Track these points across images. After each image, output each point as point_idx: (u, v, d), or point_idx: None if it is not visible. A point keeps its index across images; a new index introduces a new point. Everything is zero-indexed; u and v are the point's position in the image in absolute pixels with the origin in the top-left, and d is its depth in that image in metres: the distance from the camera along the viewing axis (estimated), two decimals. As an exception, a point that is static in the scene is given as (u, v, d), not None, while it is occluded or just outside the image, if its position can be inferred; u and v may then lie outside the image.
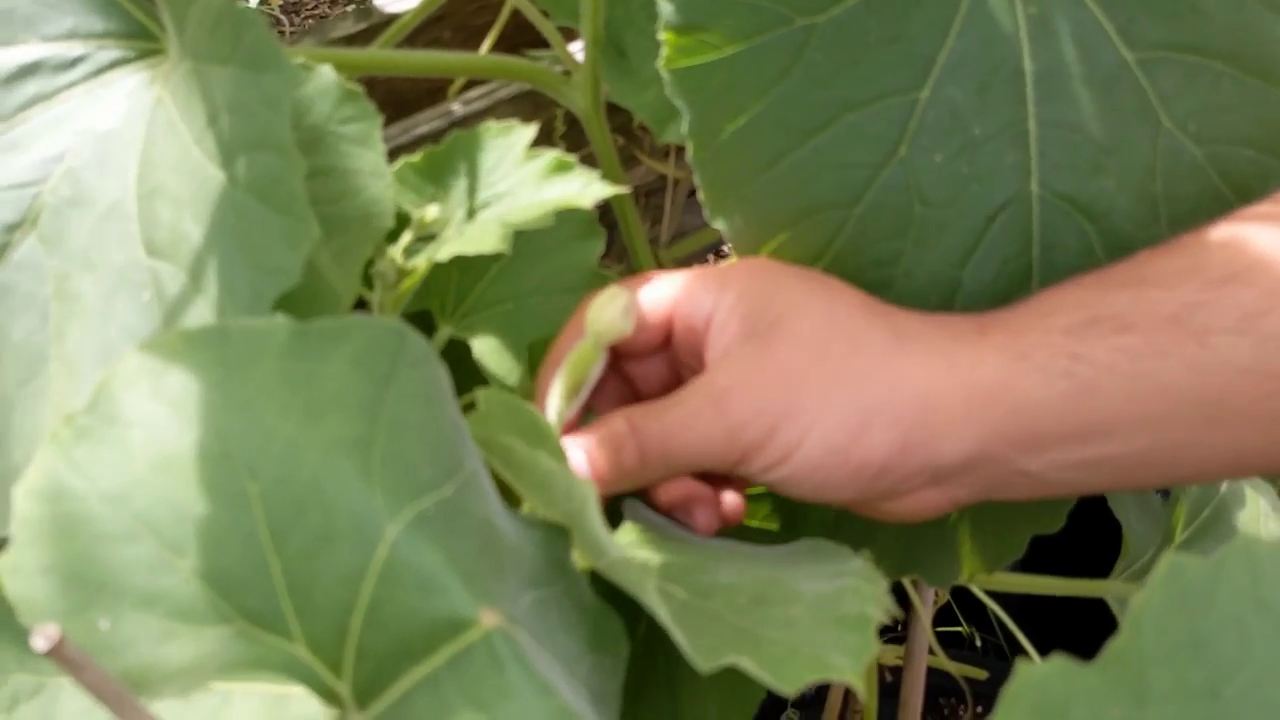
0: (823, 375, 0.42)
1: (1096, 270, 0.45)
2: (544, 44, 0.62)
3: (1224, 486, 0.59)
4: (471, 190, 0.51)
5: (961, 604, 1.23)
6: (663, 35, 0.45)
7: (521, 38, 0.68)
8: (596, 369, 0.45)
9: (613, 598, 0.37)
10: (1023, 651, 0.96)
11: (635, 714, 0.45)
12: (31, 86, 0.46)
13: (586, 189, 0.50)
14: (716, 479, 0.47)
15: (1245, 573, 0.30)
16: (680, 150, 0.79)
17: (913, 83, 0.46)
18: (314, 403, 0.31)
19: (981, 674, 0.99)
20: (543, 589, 0.34)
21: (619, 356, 0.48)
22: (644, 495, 0.47)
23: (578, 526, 0.34)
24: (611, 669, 0.37)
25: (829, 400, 0.42)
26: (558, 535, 0.36)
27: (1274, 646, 0.26)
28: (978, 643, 1.37)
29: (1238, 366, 0.39)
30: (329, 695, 0.31)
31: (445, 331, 0.56)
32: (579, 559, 0.37)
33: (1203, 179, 0.47)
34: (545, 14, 0.64)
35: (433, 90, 0.72)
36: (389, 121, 0.66)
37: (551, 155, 0.51)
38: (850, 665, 0.32)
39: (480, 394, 0.37)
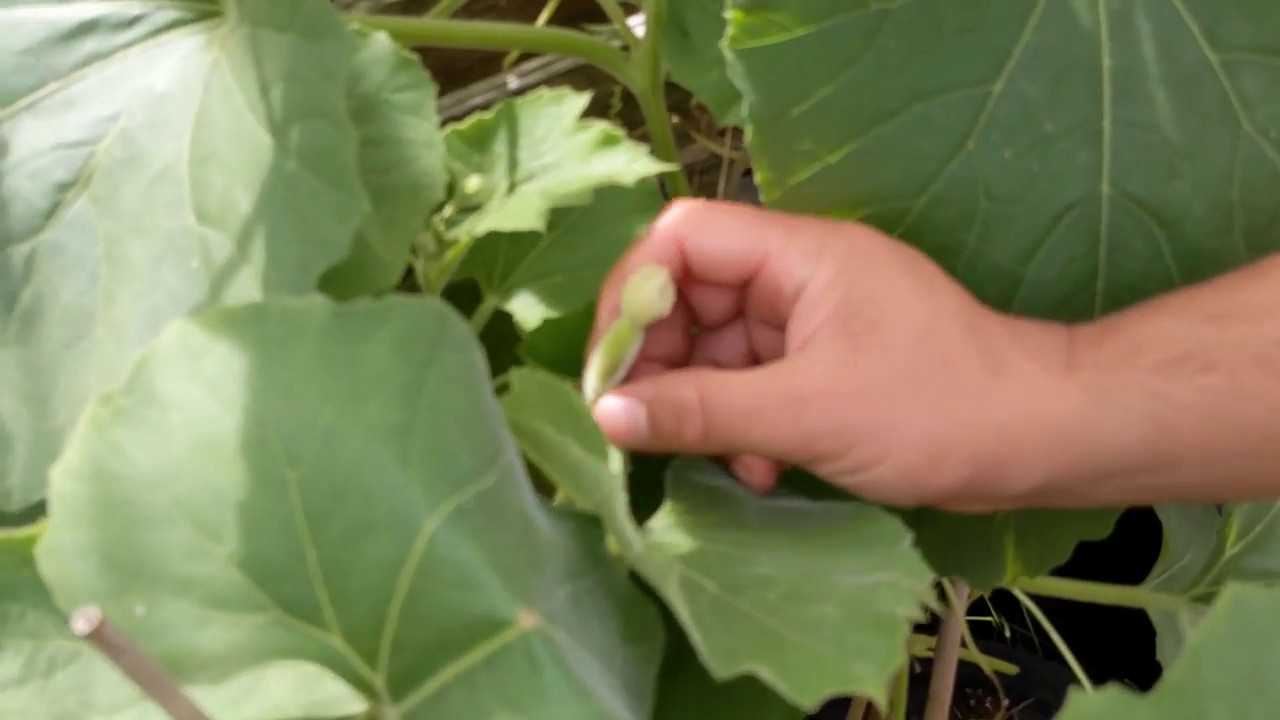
0: (910, 399, 0.41)
1: (1181, 293, 0.44)
2: (603, 18, 0.61)
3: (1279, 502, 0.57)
4: (517, 161, 0.50)
5: (993, 594, 1.22)
6: (729, 14, 0.44)
7: (580, 8, 0.67)
8: (634, 348, 0.44)
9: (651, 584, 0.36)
10: (1052, 645, 0.94)
11: (669, 701, 0.44)
12: (90, 44, 0.45)
13: (632, 165, 0.49)
14: None
15: (1312, 611, 0.29)
16: (736, 131, 0.77)
17: (986, 75, 0.45)
18: (354, 387, 0.30)
19: (1013, 669, 0.98)
20: (579, 581, 0.33)
21: (687, 280, 0.46)
22: None
23: (606, 516, 0.34)
24: (646, 658, 0.36)
25: (911, 426, 0.41)
26: (591, 524, 0.35)
27: (1341, 690, 0.25)
28: (1007, 633, 1.35)
29: None
30: (364, 686, 0.30)
31: (491, 303, 0.55)
32: (614, 545, 0.36)
33: (1283, 188, 0.46)
34: (606, -12, 0.62)
35: (485, 60, 0.70)
36: (440, 91, 0.65)
37: (599, 128, 0.50)
38: (873, 675, 0.32)
39: (515, 374, 0.36)
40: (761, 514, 0.45)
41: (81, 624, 0.24)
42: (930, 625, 1.09)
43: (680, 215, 0.45)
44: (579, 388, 0.45)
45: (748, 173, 0.63)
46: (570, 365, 0.47)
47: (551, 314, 0.53)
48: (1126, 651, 1.00)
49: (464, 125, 0.51)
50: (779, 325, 0.45)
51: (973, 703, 1.19)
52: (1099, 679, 1.21)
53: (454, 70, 0.74)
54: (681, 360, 0.49)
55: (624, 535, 0.32)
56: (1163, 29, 0.45)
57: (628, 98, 0.67)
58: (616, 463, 0.44)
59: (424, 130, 0.45)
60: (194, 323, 0.32)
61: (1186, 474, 0.41)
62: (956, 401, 0.41)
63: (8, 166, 0.43)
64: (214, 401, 0.31)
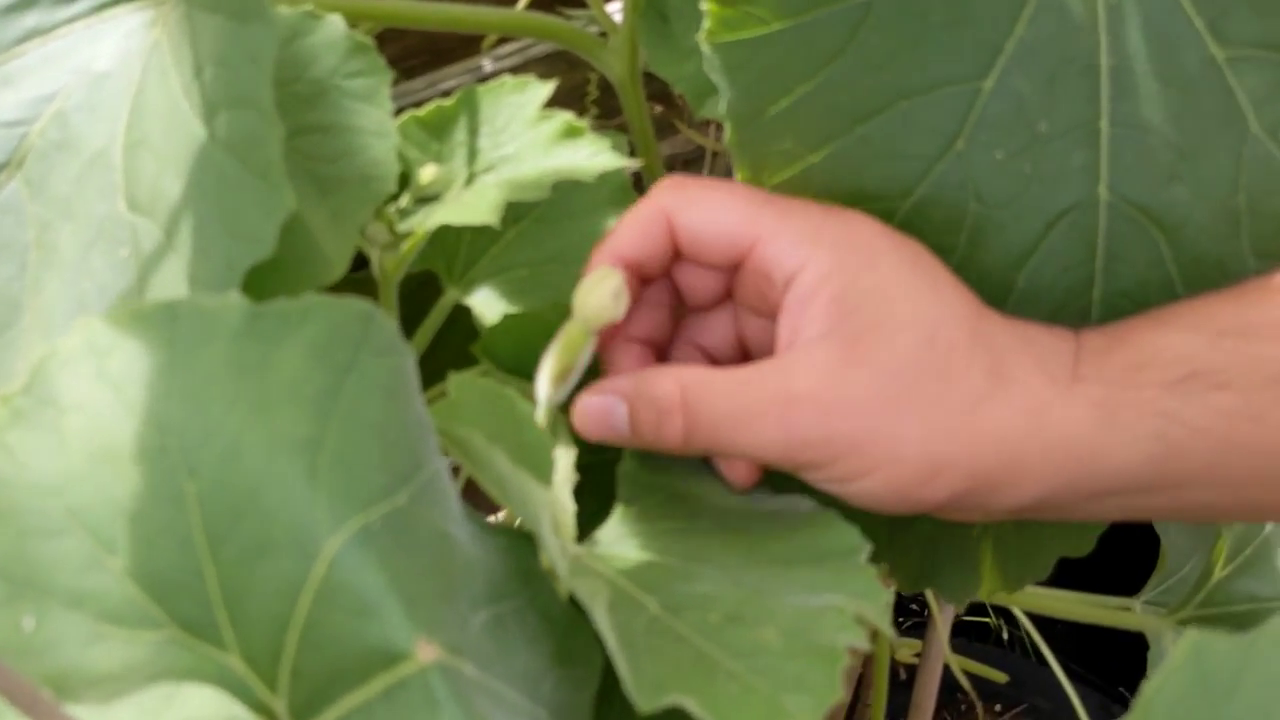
0: (907, 410, 0.38)
1: (1191, 305, 0.42)
2: (581, 2, 0.59)
3: (1269, 524, 0.55)
4: (477, 151, 0.48)
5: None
6: (705, 5, 0.42)
7: (562, -10, 0.65)
8: (586, 352, 0.42)
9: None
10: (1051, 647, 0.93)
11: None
12: (31, 19, 0.44)
13: (594, 159, 0.47)
14: None
15: (1278, 659, 0.27)
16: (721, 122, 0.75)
17: (976, 72, 0.43)
18: (263, 395, 0.28)
19: (1002, 677, 0.96)
20: (504, 602, 0.31)
21: (675, 259, 0.44)
22: None
23: (537, 534, 0.32)
24: (581, 680, 0.34)
25: (907, 439, 0.38)
26: (525, 541, 0.33)
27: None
28: (1005, 635, 1.33)
29: None
30: (264, 711, 0.29)
31: (452, 295, 0.53)
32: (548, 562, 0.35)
33: (1294, 193, 0.43)
34: (584, -30, 0.60)
35: (469, 40, 0.68)
36: (422, 70, 0.63)
37: (562, 119, 0.48)
38: (807, 710, 0.30)
39: (453, 380, 0.34)
40: (716, 516, 0.43)
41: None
42: (921, 623, 1.08)
43: (669, 189, 0.43)
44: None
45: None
46: (529, 366, 0.45)
47: (513, 309, 0.51)
48: (1126, 655, 0.98)
49: (423, 112, 0.49)
50: (769, 314, 0.43)
51: (964, 708, 1.18)
52: (1096, 685, 1.19)
53: (436, 49, 0.72)
54: (664, 342, 0.46)
55: (552, 555, 0.30)
56: (1166, 24, 0.42)
57: (606, 85, 0.65)
58: (566, 468, 0.43)
59: (376, 118, 0.43)
60: (102, 320, 0.30)
61: (1190, 495, 0.39)
62: (956, 414, 0.39)
63: (-59, 146, 0.42)
64: (117, 405, 0.29)
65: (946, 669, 0.89)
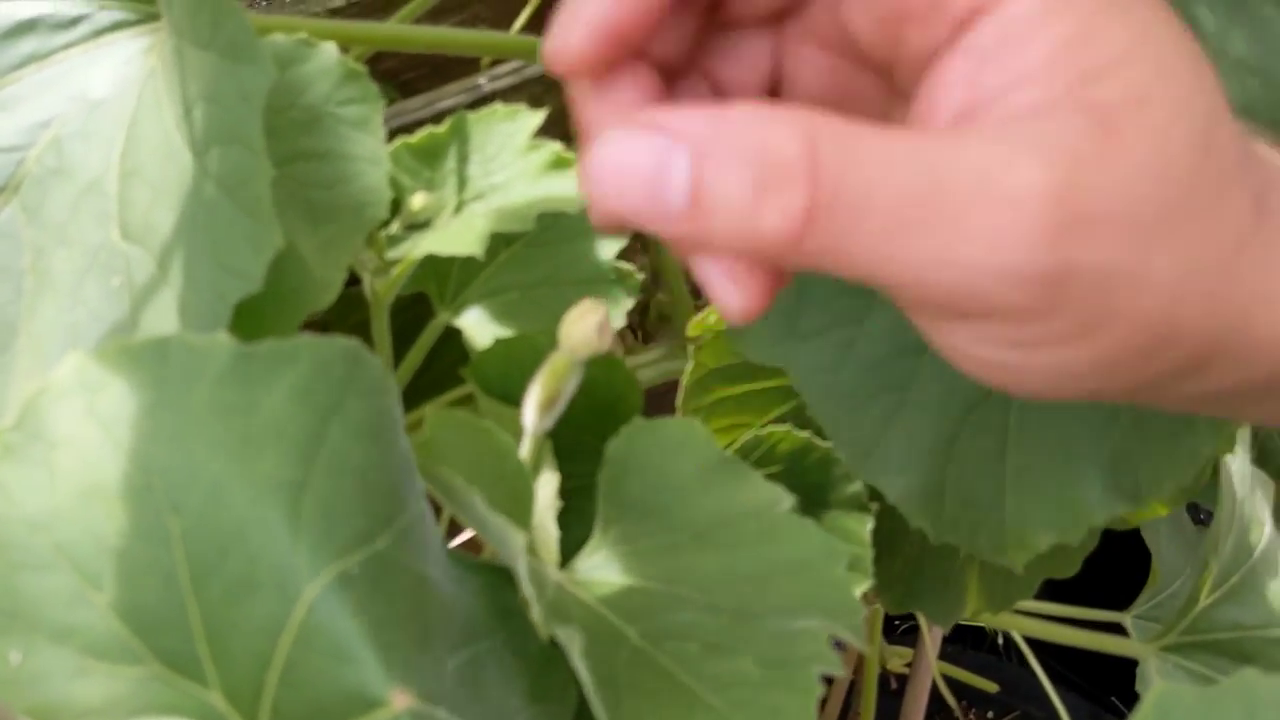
0: (1158, 241, 0.25)
1: None
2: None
3: (1257, 552, 0.55)
4: (467, 178, 0.49)
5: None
6: None
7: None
8: (572, 382, 0.42)
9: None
10: (1045, 657, 0.93)
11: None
12: (28, 44, 0.44)
13: (580, 191, 0.47)
14: None
15: (1243, 713, 0.28)
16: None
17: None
18: (248, 437, 0.29)
19: (992, 687, 0.97)
20: (480, 643, 0.32)
21: (712, 24, 0.31)
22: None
23: (515, 576, 0.32)
24: (556, 716, 0.35)
25: (1148, 289, 0.26)
26: (504, 578, 0.34)
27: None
28: (1000, 641, 1.34)
29: None
30: (245, 745, 0.29)
31: (444, 318, 0.53)
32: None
33: None
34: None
35: (467, 58, 0.69)
36: (423, 87, 0.64)
37: (551, 149, 0.48)
38: None
39: (429, 416, 0.35)
40: (694, 530, 0.43)
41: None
42: (912, 631, 1.08)
43: None
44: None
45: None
46: (519, 390, 0.46)
47: (504, 332, 0.51)
48: (1119, 664, 0.99)
49: (415, 139, 0.49)
50: (878, 55, 0.28)
51: (957, 716, 1.18)
52: (1089, 693, 1.20)
53: (436, 65, 0.72)
54: (677, 69, 0.31)
55: (529, 599, 0.31)
56: None
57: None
58: (549, 495, 0.43)
59: (369, 145, 0.43)
60: (93, 356, 0.31)
61: None
62: (1215, 254, 0.26)
63: (-61, 170, 0.42)
64: (106, 442, 0.29)
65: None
